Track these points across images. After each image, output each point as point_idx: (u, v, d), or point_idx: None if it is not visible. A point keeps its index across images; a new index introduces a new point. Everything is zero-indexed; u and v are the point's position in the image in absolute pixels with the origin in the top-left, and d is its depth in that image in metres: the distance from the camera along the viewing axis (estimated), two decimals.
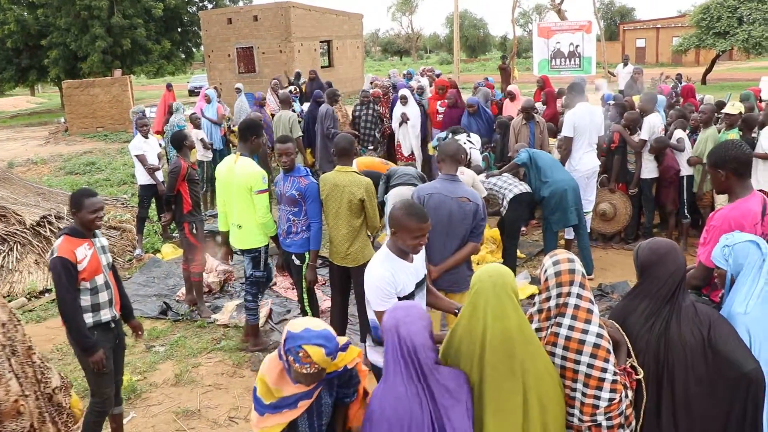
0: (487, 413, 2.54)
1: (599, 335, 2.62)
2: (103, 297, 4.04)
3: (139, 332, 4.51)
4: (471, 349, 2.59)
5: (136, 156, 8.74)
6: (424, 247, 3.51)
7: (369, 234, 5.48)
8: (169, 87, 14.44)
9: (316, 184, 5.31)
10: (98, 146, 19.35)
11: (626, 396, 2.64)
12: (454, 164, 4.75)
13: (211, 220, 9.57)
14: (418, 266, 3.48)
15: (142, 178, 8.82)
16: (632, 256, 7.93)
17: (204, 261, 6.88)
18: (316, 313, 5.71)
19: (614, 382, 2.59)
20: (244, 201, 5.58)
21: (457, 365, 2.63)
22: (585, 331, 2.62)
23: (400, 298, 3.32)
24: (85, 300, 3.95)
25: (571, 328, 2.64)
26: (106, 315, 4.07)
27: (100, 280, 4.02)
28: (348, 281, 5.59)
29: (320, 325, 2.62)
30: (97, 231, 4.15)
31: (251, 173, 5.50)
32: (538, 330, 2.73)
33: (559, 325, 2.67)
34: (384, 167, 7.80)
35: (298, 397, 2.66)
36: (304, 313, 5.66)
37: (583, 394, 2.62)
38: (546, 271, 2.75)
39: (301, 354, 2.51)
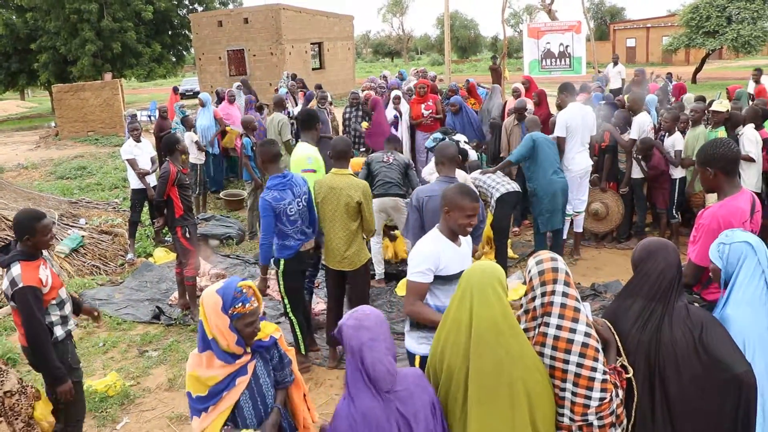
0: (472, 405, 2.54)
1: (587, 334, 2.63)
2: (68, 308, 4.07)
3: (95, 313, 4.50)
4: (457, 340, 2.63)
5: (127, 160, 8.73)
6: (470, 237, 3.75)
7: (364, 236, 5.47)
8: (175, 90, 14.52)
9: (264, 200, 5.11)
10: (89, 150, 19.27)
11: (617, 395, 2.64)
12: (452, 166, 4.77)
13: (203, 223, 9.55)
14: (465, 253, 3.62)
15: (134, 182, 8.80)
16: (624, 255, 7.99)
17: (198, 265, 6.86)
18: (301, 320, 5.57)
19: (604, 381, 2.60)
20: None
21: (443, 359, 2.67)
22: (573, 330, 2.62)
23: (441, 277, 3.45)
24: (55, 315, 3.94)
25: (558, 327, 2.64)
26: (71, 324, 4.10)
27: (63, 293, 4.03)
28: (344, 285, 5.59)
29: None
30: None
31: (300, 155, 6.18)
32: (525, 330, 2.72)
33: (547, 324, 2.67)
34: None
35: (234, 375, 2.71)
36: (288, 318, 5.59)
37: (573, 394, 2.62)
38: (530, 271, 2.77)
39: (244, 290, 2.69)
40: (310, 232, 5.43)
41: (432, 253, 3.44)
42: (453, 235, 3.52)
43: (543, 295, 2.68)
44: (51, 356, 3.82)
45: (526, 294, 2.79)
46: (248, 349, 2.75)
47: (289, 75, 16.83)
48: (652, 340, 2.72)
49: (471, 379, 2.55)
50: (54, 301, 3.92)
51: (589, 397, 2.59)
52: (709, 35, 28.23)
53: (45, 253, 4.13)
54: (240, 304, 2.64)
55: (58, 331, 3.95)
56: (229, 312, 2.63)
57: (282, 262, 5.30)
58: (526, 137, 7.24)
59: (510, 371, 2.52)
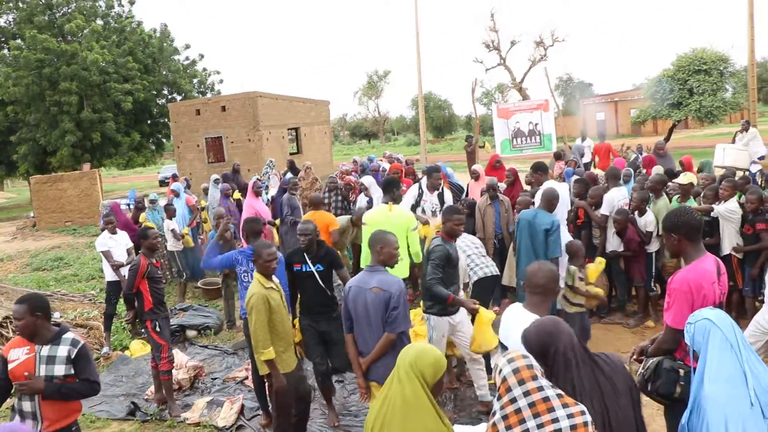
0: None
1: (585, 411, 2.62)
2: (26, 407, 3.94)
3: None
4: (380, 411, 2.93)
5: (102, 252, 8.70)
6: None
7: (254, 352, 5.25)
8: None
9: (235, 252, 6.38)
10: (66, 241, 19.15)
11: None
12: (374, 254, 4.68)
13: (181, 313, 9.43)
14: None
15: (109, 274, 8.73)
16: (606, 329, 7.94)
17: (172, 357, 6.74)
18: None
19: None
20: (400, 239, 6.14)
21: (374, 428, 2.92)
22: (583, 412, 2.58)
23: None
24: (15, 401, 3.97)
25: (570, 416, 2.55)
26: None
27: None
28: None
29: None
30: (65, 337, 4.04)
31: (408, 216, 6.89)
32: None
33: (556, 420, 2.53)
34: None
35: None
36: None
37: None
38: (501, 371, 2.66)
39: None
40: None
41: None
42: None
43: (526, 394, 2.56)
44: None
45: (499, 398, 2.64)
46: None
47: (273, 162, 16.99)
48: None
49: None
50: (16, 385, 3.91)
51: None
52: (674, 107, 29.20)
53: (54, 351, 4.02)
54: None
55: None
56: None
57: None
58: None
59: None
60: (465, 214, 9.32)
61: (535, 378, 2.59)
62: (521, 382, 2.57)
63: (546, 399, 2.54)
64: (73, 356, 4.00)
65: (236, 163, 16.62)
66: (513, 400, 2.57)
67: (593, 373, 2.88)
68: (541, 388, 2.56)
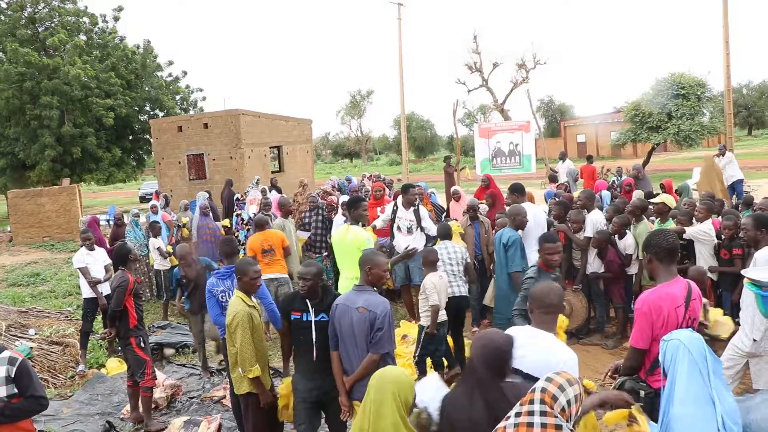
0: None
1: None
2: None
3: None
4: None
5: (79, 269, 8.62)
6: None
7: (241, 370, 5.00)
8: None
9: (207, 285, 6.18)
10: (44, 256, 18.92)
11: None
12: (362, 274, 4.70)
13: (159, 331, 9.34)
14: None
15: (86, 291, 8.63)
16: (586, 350, 7.98)
17: (155, 374, 6.68)
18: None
19: None
20: (355, 258, 6.03)
21: None
22: None
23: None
24: None
25: None
26: None
27: None
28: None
29: None
30: (1, 357, 3.92)
31: (360, 237, 6.93)
32: None
33: None
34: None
35: None
36: None
37: None
38: (539, 380, 2.65)
39: None
40: None
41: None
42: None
43: (543, 414, 2.53)
44: None
45: (521, 404, 2.62)
46: None
47: (258, 180, 17.00)
48: None
49: None
50: None
51: None
52: (653, 130, 29.61)
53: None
54: None
55: None
56: None
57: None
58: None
59: None
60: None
61: (552, 408, 2.54)
62: (542, 402, 2.55)
63: (559, 427, 2.51)
64: (13, 375, 3.85)
65: (229, 179, 16.73)
66: (531, 413, 2.55)
67: (474, 395, 2.93)
68: (556, 416, 2.53)
